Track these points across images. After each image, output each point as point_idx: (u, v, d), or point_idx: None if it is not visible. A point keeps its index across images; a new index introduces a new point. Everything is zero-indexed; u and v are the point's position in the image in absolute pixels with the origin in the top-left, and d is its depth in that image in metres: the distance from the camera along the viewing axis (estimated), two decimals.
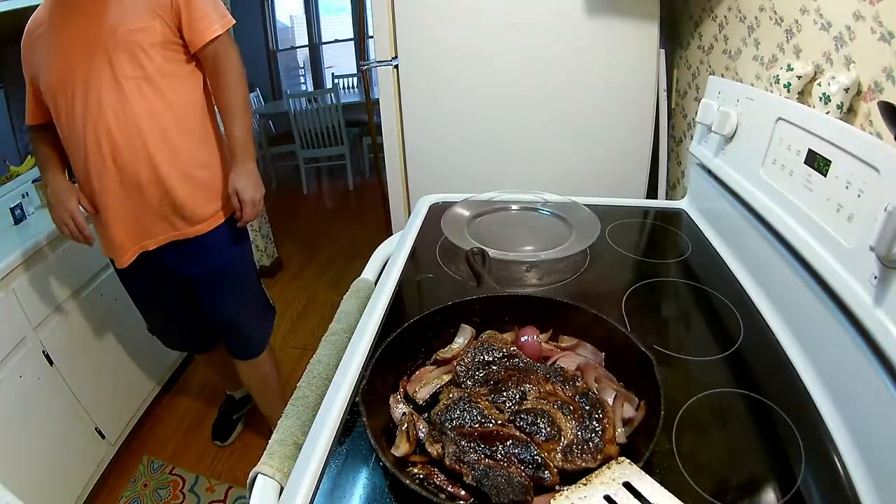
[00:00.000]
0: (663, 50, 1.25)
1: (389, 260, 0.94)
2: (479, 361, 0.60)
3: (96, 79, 1.07)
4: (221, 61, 1.17)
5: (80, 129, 1.10)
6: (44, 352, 1.40)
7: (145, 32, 1.08)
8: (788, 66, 0.81)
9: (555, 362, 0.62)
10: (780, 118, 0.75)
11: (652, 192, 1.40)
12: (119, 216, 1.19)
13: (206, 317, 1.41)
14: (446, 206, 1.05)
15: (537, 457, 0.48)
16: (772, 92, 0.85)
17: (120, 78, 1.07)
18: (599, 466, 0.47)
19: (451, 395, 0.56)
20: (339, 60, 5.27)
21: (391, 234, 1.12)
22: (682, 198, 1.12)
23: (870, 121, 0.68)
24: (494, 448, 0.48)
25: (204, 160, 1.22)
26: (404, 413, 0.55)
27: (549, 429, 0.50)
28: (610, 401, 0.55)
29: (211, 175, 1.24)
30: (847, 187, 0.59)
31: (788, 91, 0.81)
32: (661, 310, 0.82)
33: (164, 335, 1.56)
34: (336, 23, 5.30)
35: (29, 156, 1.82)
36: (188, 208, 1.21)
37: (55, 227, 1.24)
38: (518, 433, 0.50)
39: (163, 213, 1.21)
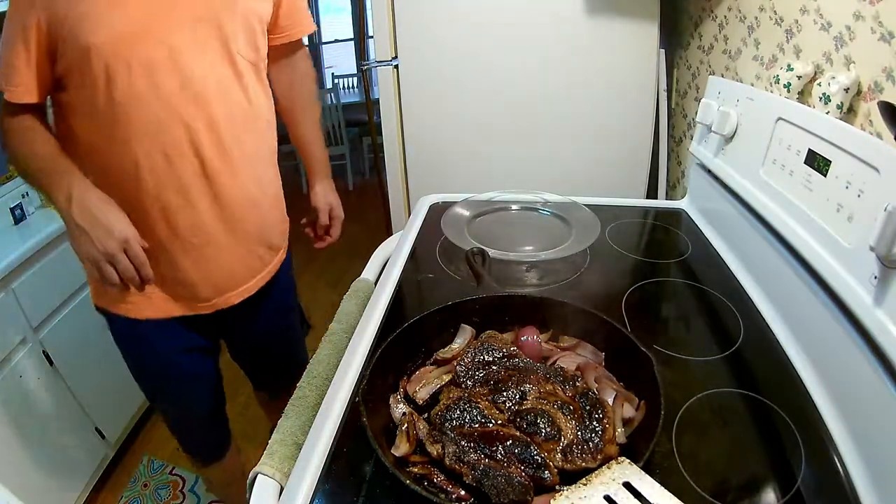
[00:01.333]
0: (663, 50, 1.25)
1: (389, 260, 0.93)
2: (479, 361, 0.60)
3: (201, 50, 0.77)
4: (306, 63, 1.02)
5: (161, 119, 0.76)
6: (44, 352, 1.40)
7: (264, 7, 0.85)
8: (788, 66, 0.81)
9: (555, 362, 0.62)
10: (780, 118, 0.75)
11: (652, 192, 1.40)
12: (200, 255, 0.86)
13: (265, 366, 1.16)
14: (446, 206, 1.05)
15: (537, 457, 0.48)
16: (772, 92, 0.85)
17: (235, 54, 0.80)
18: (599, 466, 0.47)
19: (451, 395, 0.56)
20: (339, 60, 5.26)
21: (391, 234, 1.12)
22: (682, 198, 1.12)
23: (870, 121, 0.68)
24: (494, 448, 0.48)
25: (276, 171, 1.00)
26: (404, 413, 0.55)
27: (549, 429, 0.50)
28: (610, 401, 0.55)
29: (280, 191, 1.03)
30: (847, 187, 0.59)
31: (788, 91, 0.81)
32: (661, 310, 0.82)
33: (193, 432, 1.12)
34: (336, 23, 5.30)
35: None
36: (275, 233, 1.00)
37: (55, 229, 1.14)
38: (518, 433, 0.50)
39: (256, 247, 0.94)
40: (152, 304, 0.88)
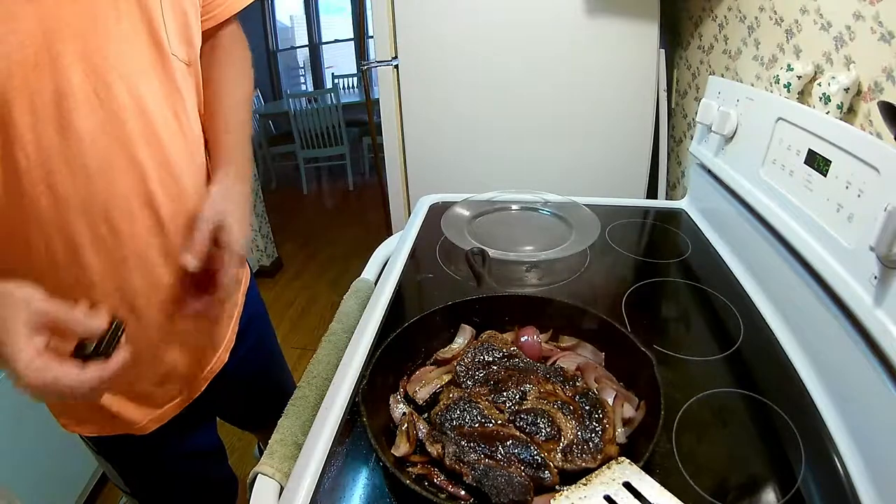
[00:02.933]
0: (663, 50, 1.25)
1: (389, 260, 0.93)
2: (479, 361, 0.60)
3: (126, 55, 0.54)
4: (241, 46, 0.78)
5: (84, 152, 0.52)
6: None
7: None
8: (788, 66, 0.81)
9: (555, 362, 0.62)
10: (780, 118, 0.75)
11: (652, 192, 1.40)
12: (169, 337, 0.66)
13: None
14: (446, 206, 1.05)
15: (537, 457, 0.48)
16: (772, 92, 0.85)
17: (168, 55, 0.59)
18: (599, 466, 0.47)
19: (451, 395, 0.56)
20: (339, 60, 5.27)
21: (391, 234, 1.12)
22: (682, 198, 1.12)
23: (870, 121, 0.68)
24: (494, 448, 0.48)
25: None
26: (404, 413, 0.55)
27: (549, 429, 0.50)
28: (610, 401, 0.55)
29: None
30: (847, 187, 0.59)
31: (788, 91, 0.81)
32: (661, 310, 0.82)
33: None
34: (336, 23, 5.30)
35: None
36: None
37: None
38: (518, 433, 0.50)
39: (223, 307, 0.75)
40: (128, 417, 0.69)
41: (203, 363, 0.75)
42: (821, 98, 0.73)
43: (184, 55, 0.62)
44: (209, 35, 0.73)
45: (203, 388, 0.76)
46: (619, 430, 0.53)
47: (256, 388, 0.94)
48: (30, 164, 0.50)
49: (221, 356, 0.78)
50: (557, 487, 0.47)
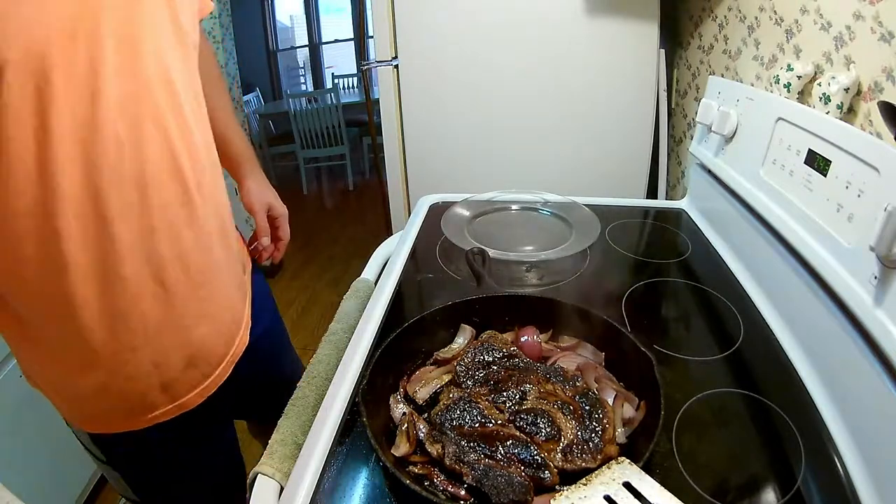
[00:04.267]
0: (663, 50, 1.25)
1: (389, 260, 0.93)
2: (479, 361, 0.60)
3: (155, 29, 0.56)
4: (207, 43, 0.78)
5: (116, 121, 0.52)
6: None
7: None
8: (788, 66, 0.81)
9: (555, 362, 0.62)
10: (780, 118, 0.75)
11: (652, 193, 1.40)
12: (209, 297, 0.67)
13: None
14: (446, 206, 1.05)
15: (537, 457, 0.48)
16: (772, 92, 0.85)
17: (185, 33, 0.61)
18: (599, 466, 0.47)
19: (451, 395, 0.56)
20: (339, 60, 5.27)
21: (391, 234, 1.12)
22: (682, 198, 1.12)
23: (870, 121, 0.68)
24: (494, 448, 0.48)
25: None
26: (404, 413, 0.55)
27: (549, 429, 0.50)
28: (610, 401, 0.55)
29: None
30: (847, 187, 0.59)
31: (788, 91, 0.81)
32: (661, 310, 0.82)
33: None
34: (336, 23, 5.30)
35: None
36: (244, 254, 0.82)
37: None
38: (518, 433, 0.50)
39: (240, 281, 0.77)
40: (134, 407, 0.66)
41: (229, 342, 0.73)
42: (821, 98, 0.73)
43: (195, 37, 0.65)
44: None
45: (228, 374, 0.72)
46: (619, 430, 0.53)
47: (271, 374, 0.93)
48: (63, 133, 0.49)
49: (243, 337, 0.76)
50: (557, 487, 0.47)
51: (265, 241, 0.87)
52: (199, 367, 0.68)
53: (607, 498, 0.44)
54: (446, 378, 0.60)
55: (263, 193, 0.87)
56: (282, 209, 0.90)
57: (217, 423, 0.79)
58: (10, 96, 0.46)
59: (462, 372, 0.59)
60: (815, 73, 0.78)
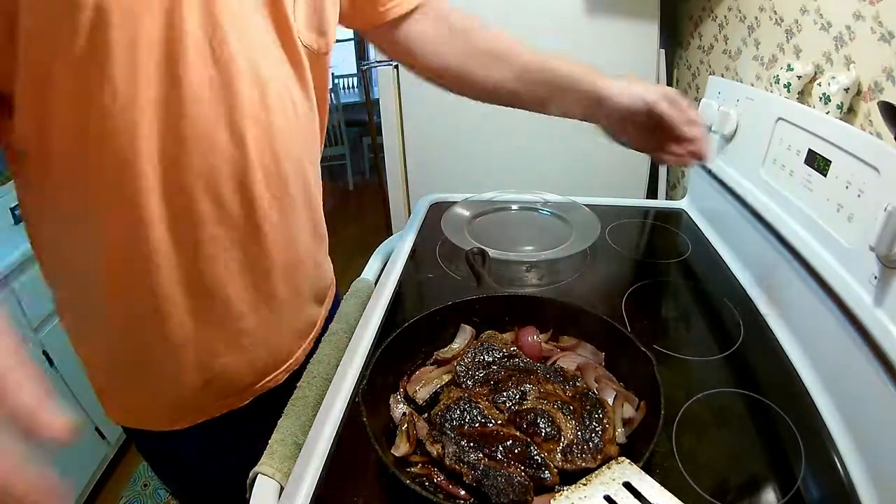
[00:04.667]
0: (663, 50, 1.25)
1: (389, 260, 0.94)
2: (479, 361, 0.60)
3: (246, 20, 0.49)
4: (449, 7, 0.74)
5: (185, 106, 0.46)
6: (44, 352, 1.40)
7: None
8: (788, 66, 0.81)
9: (555, 362, 0.62)
10: (780, 118, 0.75)
11: (652, 193, 1.40)
12: (257, 317, 0.62)
13: None
14: (446, 206, 1.05)
15: (537, 457, 0.48)
16: (772, 92, 0.85)
17: (293, 31, 0.54)
18: (599, 466, 0.47)
19: (451, 395, 0.56)
20: (339, 60, 5.26)
21: (391, 234, 1.12)
22: (682, 198, 1.12)
23: (870, 121, 0.68)
24: (494, 448, 0.48)
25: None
26: (404, 413, 0.55)
27: (549, 429, 0.50)
28: (610, 401, 0.55)
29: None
30: (847, 187, 0.59)
31: (788, 91, 0.81)
32: (661, 310, 0.82)
33: None
34: None
35: None
36: (328, 278, 0.78)
37: None
38: (518, 433, 0.50)
39: (309, 297, 0.72)
40: (175, 407, 0.64)
41: (258, 373, 0.67)
42: (821, 98, 0.73)
43: (310, 40, 0.57)
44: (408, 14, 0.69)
45: (248, 400, 0.67)
46: (619, 430, 0.53)
47: None
48: (115, 105, 0.43)
49: (278, 377, 0.70)
50: (557, 487, 0.47)
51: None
52: (220, 389, 0.66)
53: (607, 498, 0.43)
54: (446, 378, 0.60)
55: (660, 88, 0.71)
56: (682, 100, 0.68)
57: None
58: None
59: (462, 372, 0.59)
60: (815, 73, 0.78)
